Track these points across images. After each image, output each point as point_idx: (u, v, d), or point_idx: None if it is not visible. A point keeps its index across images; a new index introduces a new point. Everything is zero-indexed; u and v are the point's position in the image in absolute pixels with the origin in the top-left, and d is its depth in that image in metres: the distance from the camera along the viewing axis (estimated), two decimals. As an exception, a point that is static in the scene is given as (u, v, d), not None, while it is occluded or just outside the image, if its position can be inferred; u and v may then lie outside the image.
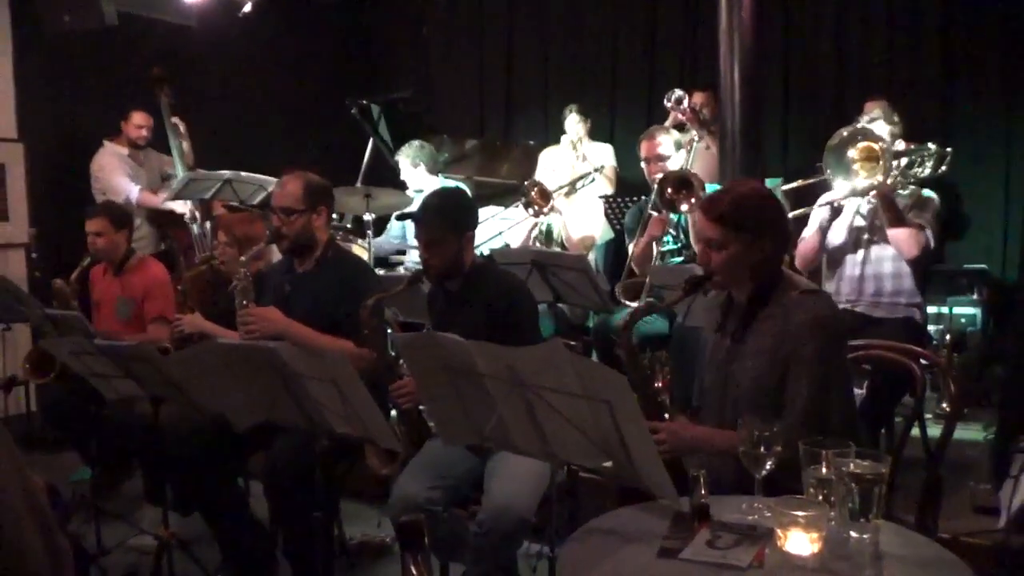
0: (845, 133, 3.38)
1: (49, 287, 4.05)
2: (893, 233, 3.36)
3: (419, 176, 5.06)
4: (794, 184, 3.83)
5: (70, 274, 3.97)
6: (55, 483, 1.54)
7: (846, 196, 3.39)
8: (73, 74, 5.33)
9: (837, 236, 3.51)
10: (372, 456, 2.77)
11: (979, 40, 5.08)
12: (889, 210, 3.34)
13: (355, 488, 3.43)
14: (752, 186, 2.26)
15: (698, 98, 4.85)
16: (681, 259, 3.79)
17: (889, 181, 3.33)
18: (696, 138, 4.12)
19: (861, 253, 3.47)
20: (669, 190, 3.62)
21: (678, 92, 4.72)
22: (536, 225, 4.63)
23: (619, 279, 3.96)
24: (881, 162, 3.26)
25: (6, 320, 3.98)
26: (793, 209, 3.97)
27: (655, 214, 3.76)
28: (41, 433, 4.15)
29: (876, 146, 3.29)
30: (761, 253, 2.11)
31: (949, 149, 3.64)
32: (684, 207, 3.60)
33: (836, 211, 3.47)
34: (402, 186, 5.13)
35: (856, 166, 3.33)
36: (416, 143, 5.15)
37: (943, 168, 3.64)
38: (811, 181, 3.75)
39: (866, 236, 3.46)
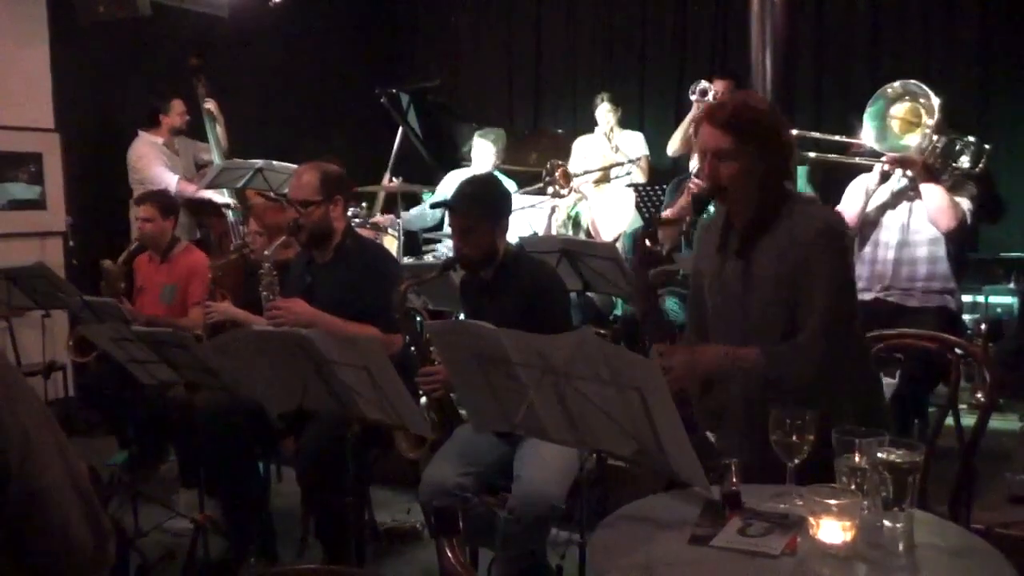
0: (898, 84, 3.31)
1: (86, 274, 4.12)
2: (931, 202, 3.23)
3: (492, 162, 5.09)
4: (828, 156, 3.73)
5: (107, 261, 4.04)
6: (94, 466, 1.58)
7: (885, 159, 3.31)
8: (108, 64, 5.40)
9: (872, 216, 3.42)
10: (401, 439, 2.80)
11: (1017, 27, 4.98)
12: (922, 171, 3.24)
13: (385, 475, 3.47)
14: (753, 95, 2.19)
15: (718, 86, 4.79)
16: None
17: (924, 155, 3.26)
18: None
19: (896, 235, 3.39)
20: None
21: (703, 84, 4.67)
22: (555, 210, 4.61)
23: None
24: (919, 128, 3.20)
25: (45, 307, 4.05)
26: (818, 191, 3.92)
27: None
28: (79, 417, 4.23)
29: (922, 107, 3.22)
30: (768, 163, 2.04)
31: (987, 146, 3.54)
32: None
33: (885, 176, 3.37)
34: (436, 169, 5.13)
35: (895, 124, 3.27)
36: (502, 131, 5.23)
37: (980, 165, 3.54)
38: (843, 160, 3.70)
39: (903, 218, 3.38)
